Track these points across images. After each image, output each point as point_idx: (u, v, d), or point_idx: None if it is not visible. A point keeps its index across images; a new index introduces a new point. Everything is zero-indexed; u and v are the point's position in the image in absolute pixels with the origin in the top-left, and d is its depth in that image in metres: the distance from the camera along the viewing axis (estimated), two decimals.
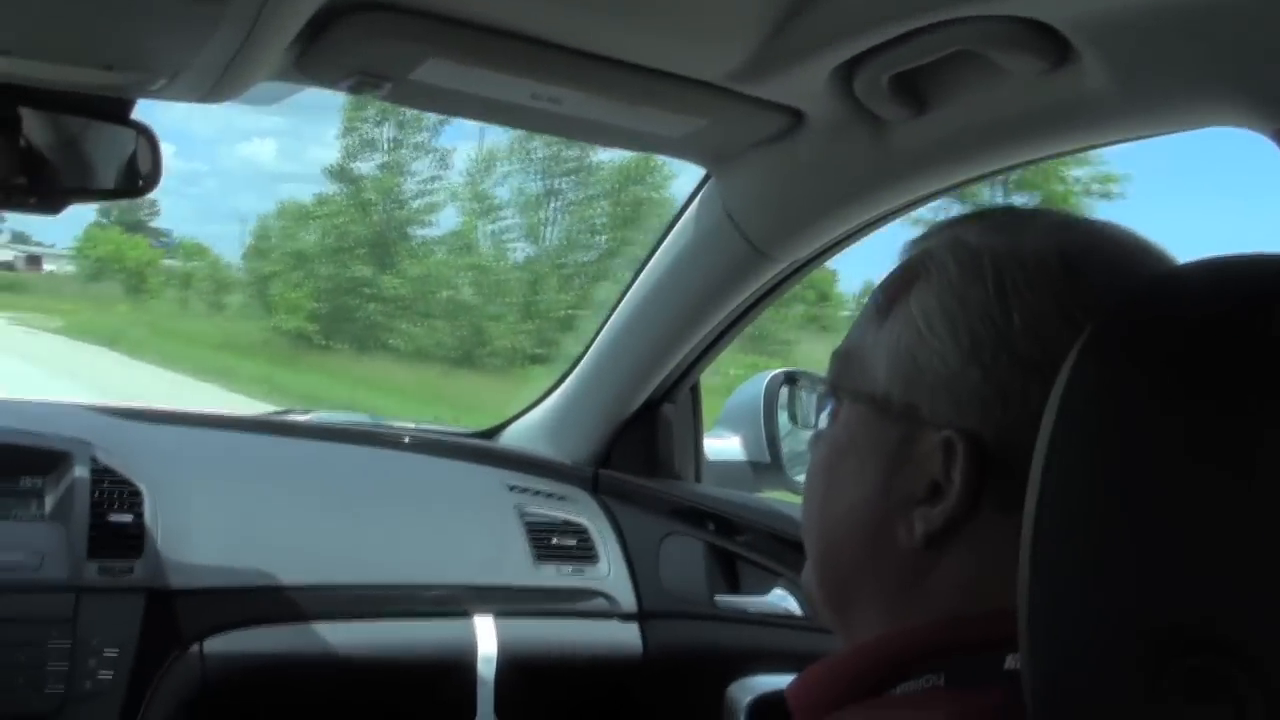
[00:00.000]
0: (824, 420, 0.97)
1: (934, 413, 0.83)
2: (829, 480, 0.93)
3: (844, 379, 0.93)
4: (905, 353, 0.86)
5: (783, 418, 2.34)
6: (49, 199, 1.61)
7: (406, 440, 2.51)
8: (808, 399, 2.33)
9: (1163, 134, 1.46)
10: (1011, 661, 0.73)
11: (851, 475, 0.89)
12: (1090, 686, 0.65)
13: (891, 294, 0.90)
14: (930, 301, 0.85)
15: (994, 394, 0.80)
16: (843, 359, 0.94)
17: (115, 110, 1.59)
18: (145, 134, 1.61)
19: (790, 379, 2.34)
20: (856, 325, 0.94)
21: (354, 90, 1.56)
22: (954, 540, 0.83)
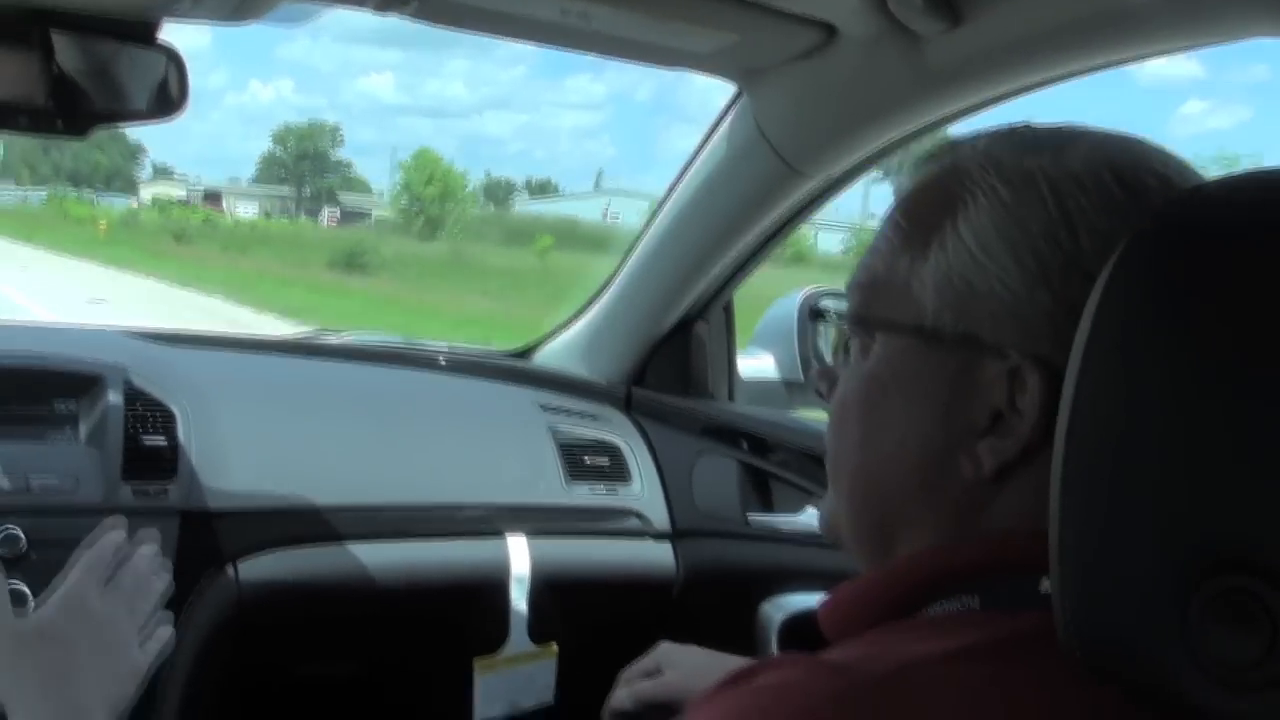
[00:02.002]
0: (852, 354, 0.94)
1: (997, 340, 0.81)
2: (870, 416, 0.90)
3: (875, 311, 0.90)
4: (959, 279, 0.83)
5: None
6: (76, 122, 1.61)
7: (440, 361, 2.51)
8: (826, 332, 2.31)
9: (1200, 46, 1.43)
10: (1045, 585, 0.72)
11: (898, 409, 0.87)
12: (1121, 608, 0.64)
13: (926, 221, 0.87)
14: (984, 225, 0.83)
15: (1066, 317, 0.77)
16: (868, 291, 0.91)
17: (142, 32, 1.58)
18: (172, 56, 1.60)
19: (816, 313, 2.31)
20: (876, 255, 0.91)
21: (380, 9, 1.55)
22: (1024, 468, 0.81)
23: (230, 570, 1.91)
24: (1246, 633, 0.60)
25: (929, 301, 0.85)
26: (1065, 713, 0.72)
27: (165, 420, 1.93)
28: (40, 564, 1.74)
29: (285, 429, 2.10)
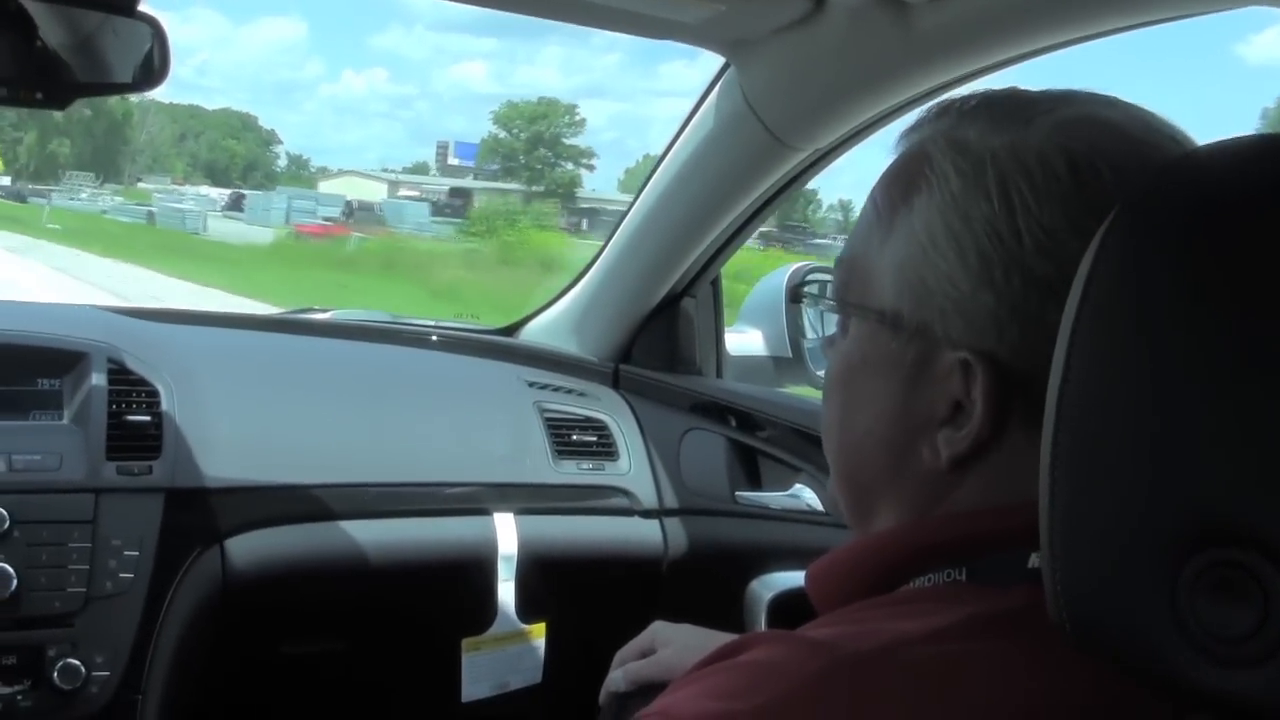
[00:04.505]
0: (835, 329, 0.94)
1: (947, 333, 0.81)
2: (845, 396, 0.91)
3: (850, 292, 0.90)
4: (912, 272, 0.83)
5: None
6: (56, 93, 1.59)
7: (427, 338, 2.50)
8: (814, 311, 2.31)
9: (1196, 13, 1.42)
10: (1035, 559, 0.71)
11: (869, 393, 0.87)
12: (1110, 584, 0.63)
13: (893, 203, 0.87)
14: (933, 217, 0.82)
15: (1009, 316, 0.78)
16: (847, 269, 0.91)
17: (122, 2, 1.56)
18: (154, 26, 1.59)
19: (795, 295, 2.30)
20: (858, 231, 0.91)
21: None
22: (980, 461, 0.81)
23: (216, 549, 1.89)
24: (1238, 606, 0.59)
25: (889, 288, 0.85)
26: (1060, 687, 0.71)
27: (150, 398, 1.92)
28: (23, 542, 1.73)
29: (271, 406, 2.09)
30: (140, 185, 57.31)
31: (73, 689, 1.72)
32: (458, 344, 2.51)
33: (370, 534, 2.01)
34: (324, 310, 2.69)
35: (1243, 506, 0.59)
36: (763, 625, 2.01)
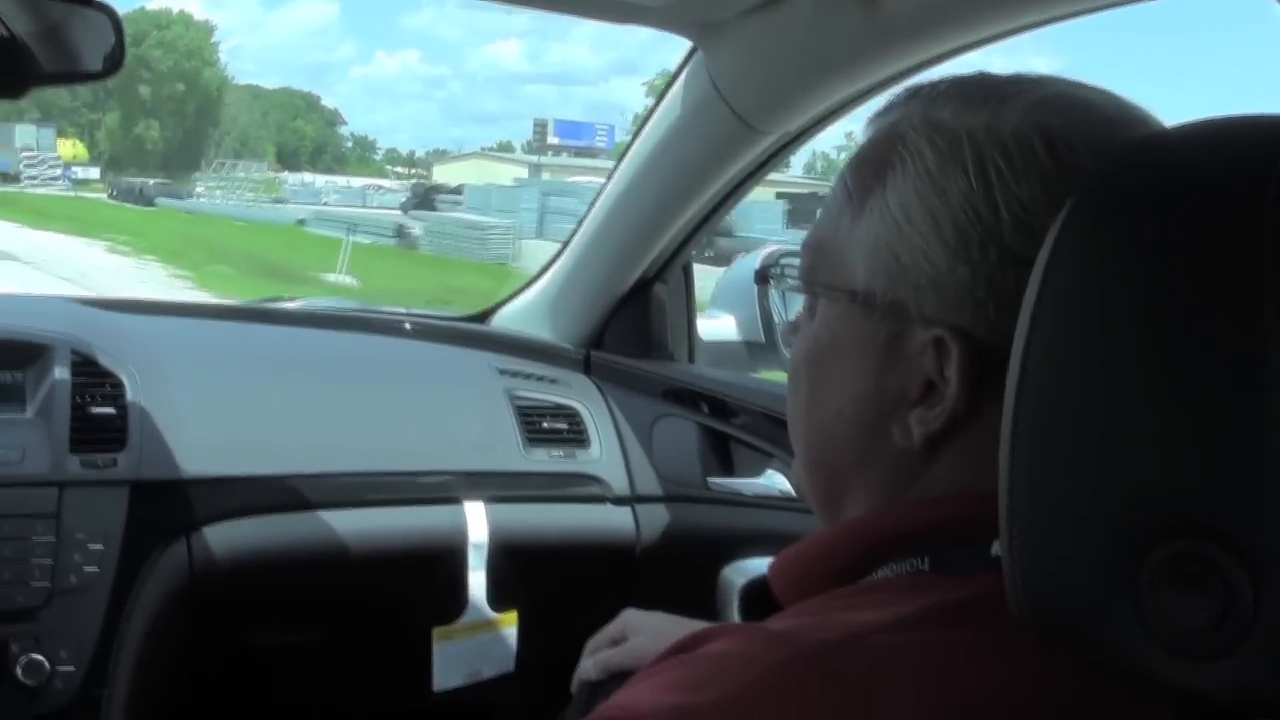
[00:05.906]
0: (801, 313, 0.94)
1: (921, 310, 0.80)
2: (814, 379, 0.90)
3: (819, 274, 0.89)
4: (886, 249, 0.82)
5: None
6: (13, 83, 1.57)
7: (395, 325, 2.48)
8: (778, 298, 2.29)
9: None
10: (998, 547, 0.70)
11: (838, 374, 0.87)
12: (1071, 575, 0.63)
13: (864, 183, 0.86)
14: (908, 194, 0.82)
15: (986, 291, 0.78)
16: (814, 251, 0.90)
17: None
18: (109, 14, 1.57)
19: (762, 277, 2.29)
20: (826, 213, 0.90)
21: None
22: (953, 440, 0.80)
23: (183, 541, 1.88)
24: (1199, 598, 0.58)
25: (861, 268, 0.84)
26: (1022, 675, 0.70)
27: (114, 389, 1.90)
28: None
29: (238, 396, 2.07)
30: (237, 173, 50.98)
31: (37, 685, 1.70)
32: (429, 332, 2.49)
33: (339, 524, 2.00)
34: (292, 299, 2.68)
35: (1204, 498, 0.58)
36: (735, 611, 2.00)
